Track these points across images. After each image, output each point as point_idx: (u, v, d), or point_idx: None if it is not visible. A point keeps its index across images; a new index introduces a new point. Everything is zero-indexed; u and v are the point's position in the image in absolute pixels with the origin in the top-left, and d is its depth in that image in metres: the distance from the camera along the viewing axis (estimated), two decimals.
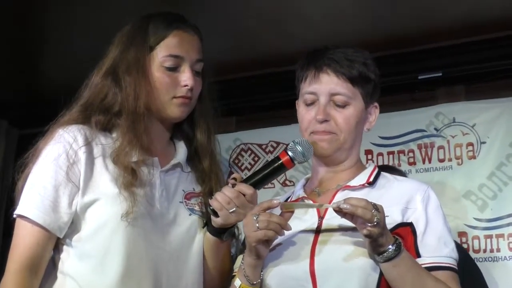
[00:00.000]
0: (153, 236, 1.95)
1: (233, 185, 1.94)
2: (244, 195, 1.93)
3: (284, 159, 1.95)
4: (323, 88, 2.00)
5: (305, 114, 2.04)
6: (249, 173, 1.95)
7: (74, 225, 1.93)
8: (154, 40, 2.03)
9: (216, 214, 1.94)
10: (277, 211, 1.87)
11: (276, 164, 1.96)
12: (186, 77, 2.02)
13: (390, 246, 1.75)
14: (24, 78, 4.62)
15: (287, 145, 1.97)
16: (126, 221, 1.88)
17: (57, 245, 1.96)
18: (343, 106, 2.00)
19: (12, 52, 4.18)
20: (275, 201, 1.86)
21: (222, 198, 1.93)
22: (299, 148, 1.94)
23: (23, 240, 1.89)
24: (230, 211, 1.91)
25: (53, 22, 3.99)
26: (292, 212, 1.85)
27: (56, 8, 3.84)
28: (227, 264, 2.11)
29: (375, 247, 1.76)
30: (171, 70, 2.02)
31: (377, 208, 1.71)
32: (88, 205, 1.92)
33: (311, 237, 1.90)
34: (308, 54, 2.08)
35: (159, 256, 1.95)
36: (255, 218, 1.80)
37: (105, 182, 1.94)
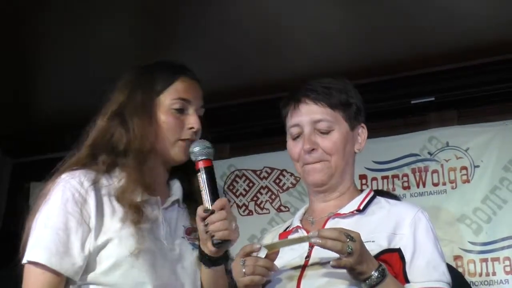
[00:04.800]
0: (165, 271, 1.98)
1: (212, 212, 1.91)
2: (222, 209, 1.92)
3: (201, 165, 1.99)
4: (305, 118, 2.04)
5: (293, 147, 2.07)
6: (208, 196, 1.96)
7: (87, 267, 1.94)
8: (161, 85, 2.11)
9: (223, 245, 1.92)
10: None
11: (205, 174, 1.98)
12: (193, 120, 2.10)
13: (373, 272, 1.75)
14: (17, 107, 4.62)
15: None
16: (138, 256, 1.91)
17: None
18: (327, 132, 2.02)
19: (5, 81, 4.19)
20: (257, 245, 1.87)
21: (222, 224, 1.89)
22: (197, 149, 2.00)
23: (36, 287, 1.90)
24: (234, 227, 1.91)
25: (46, 52, 4.01)
26: (278, 251, 1.86)
27: (50, 38, 3.85)
28: None
29: (356, 276, 1.76)
30: (179, 113, 2.10)
31: (352, 238, 1.71)
32: (101, 247, 1.94)
33: (297, 271, 1.91)
34: (289, 91, 2.13)
35: None
36: (241, 263, 1.81)
37: (114, 223, 1.96)
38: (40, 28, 3.78)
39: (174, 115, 2.08)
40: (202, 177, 1.98)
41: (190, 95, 2.12)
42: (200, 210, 1.93)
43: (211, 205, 1.93)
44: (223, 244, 1.92)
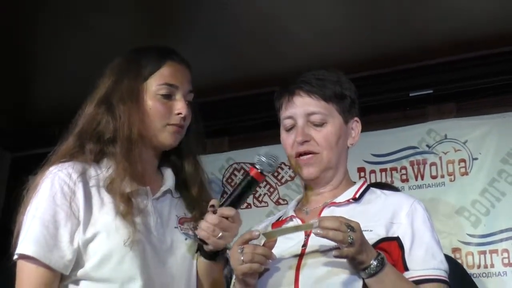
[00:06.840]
0: (155, 262, 1.96)
1: (214, 212, 1.92)
2: (227, 218, 1.91)
3: (253, 173, 1.95)
4: (298, 110, 2.04)
5: (286, 139, 2.07)
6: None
7: (77, 261, 1.92)
8: (148, 70, 2.06)
9: (205, 243, 1.95)
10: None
11: (247, 180, 1.96)
12: (180, 105, 2.05)
13: (373, 261, 1.75)
14: (16, 102, 4.63)
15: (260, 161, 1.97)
16: (129, 248, 1.89)
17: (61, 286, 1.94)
18: (320, 124, 2.02)
19: (3, 76, 4.19)
20: (255, 233, 1.86)
21: (206, 227, 1.91)
22: (264, 159, 1.94)
23: (29, 283, 1.87)
24: (218, 237, 1.91)
25: (44, 47, 4.01)
26: (276, 239, 1.86)
27: (49, 33, 3.86)
28: (220, 287, 2.11)
29: (356, 265, 1.77)
30: (166, 98, 2.05)
31: (352, 228, 1.72)
32: (90, 240, 1.91)
33: (295, 260, 1.91)
34: (282, 83, 2.11)
35: (162, 283, 1.96)
36: (239, 251, 1.81)
37: (103, 215, 1.94)
38: (40, 26, 3.78)
39: (161, 101, 2.04)
40: (243, 182, 1.96)
41: (177, 80, 2.06)
42: (210, 202, 1.94)
43: (222, 206, 1.93)
44: (203, 242, 1.94)
